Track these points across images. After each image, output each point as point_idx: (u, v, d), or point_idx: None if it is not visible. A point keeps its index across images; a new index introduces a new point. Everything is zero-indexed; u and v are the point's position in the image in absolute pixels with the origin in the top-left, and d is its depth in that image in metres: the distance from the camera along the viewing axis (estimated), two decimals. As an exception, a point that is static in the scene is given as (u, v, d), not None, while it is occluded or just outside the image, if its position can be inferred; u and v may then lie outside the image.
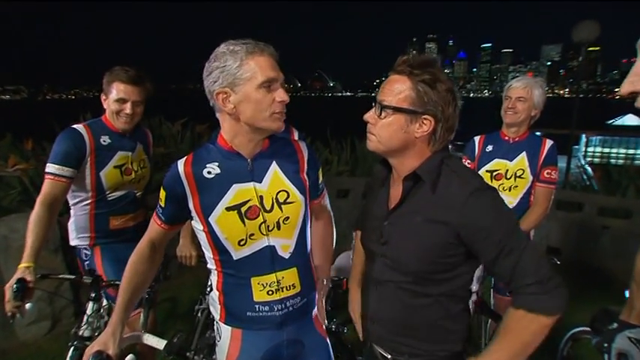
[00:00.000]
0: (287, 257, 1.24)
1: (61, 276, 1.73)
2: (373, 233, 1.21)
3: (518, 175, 2.10)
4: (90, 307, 1.67)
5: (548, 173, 2.07)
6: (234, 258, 1.20)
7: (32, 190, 3.27)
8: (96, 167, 1.84)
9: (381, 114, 1.08)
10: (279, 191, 1.22)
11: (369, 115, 1.12)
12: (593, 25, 7.56)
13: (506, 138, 2.16)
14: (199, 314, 1.93)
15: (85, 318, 1.65)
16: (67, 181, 1.76)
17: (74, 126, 1.84)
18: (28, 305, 1.47)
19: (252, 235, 1.19)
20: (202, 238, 1.23)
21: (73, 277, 1.69)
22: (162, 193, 1.21)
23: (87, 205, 1.89)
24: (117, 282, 1.71)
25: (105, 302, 1.84)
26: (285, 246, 1.24)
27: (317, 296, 1.39)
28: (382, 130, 1.09)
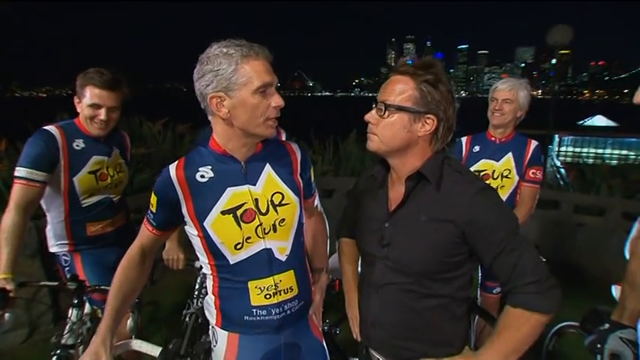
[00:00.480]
0: (284, 260, 1.22)
1: (42, 283, 1.66)
2: (372, 236, 1.21)
3: (504, 175, 2.14)
4: (73, 314, 1.61)
5: (533, 173, 2.12)
6: (231, 262, 1.18)
7: (5, 191, 3.14)
8: (69, 172, 1.76)
9: (384, 113, 1.09)
10: (274, 193, 1.21)
11: (371, 116, 1.13)
12: (567, 30, 7.83)
13: (493, 139, 2.21)
14: (187, 319, 1.89)
15: (68, 325, 1.59)
16: (41, 186, 1.67)
17: (46, 127, 1.74)
18: (7, 315, 1.41)
19: (249, 238, 1.17)
20: (197, 243, 1.20)
21: (55, 283, 1.63)
22: (154, 199, 1.18)
23: (61, 212, 1.81)
24: (102, 286, 1.66)
25: (87, 308, 1.78)
26: (281, 248, 1.22)
27: (315, 293, 1.39)
28: (385, 129, 1.10)
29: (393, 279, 1.16)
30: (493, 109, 2.12)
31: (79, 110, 1.78)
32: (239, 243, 1.16)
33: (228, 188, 1.16)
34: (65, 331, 1.57)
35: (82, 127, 1.81)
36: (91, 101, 1.73)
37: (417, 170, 1.12)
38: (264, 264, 1.20)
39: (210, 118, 1.15)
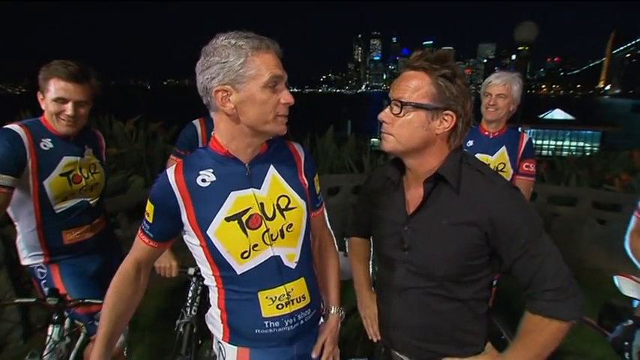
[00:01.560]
0: (293, 267, 1.15)
1: (17, 301, 1.50)
2: (391, 239, 1.16)
3: (499, 169, 2.15)
4: (55, 332, 1.46)
5: (527, 166, 2.14)
6: (238, 272, 1.09)
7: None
8: (38, 176, 1.58)
9: (400, 112, 1.03)
10: (280, 197, 1.12)
11: (385, 115, 1.07)
12: (533, 27, 8.13)
13: (486, 133, 2.21)
14: (181, 329, 1.78)
15: (49, 345, 1.44)
16: (8, 192, 1.50)
17: (9, 126, 1.55)
18: None
19: (256, 245, 1.08)
20: (199, 253, 1.10)
21: (32, 300, 1.46)
22: (150, 207, 1.07)
23: (32, 220, 1.63)
24: (86, 300, 1.52)
25: (67, 323, 1.63)
26: (290, 255, 1.14)
27: (321, 333, 1.26)
28: (402, 128, 1.05)
29: (415, 283, 1.13)
30: (487, 104, 2.12)
31: (43, 107, 1.61)
32: (246, 251, 1.07)
33: (232, 192, 1.07)
34: (45, 352, 1.42)
35: (49, 125, 1.63)
36: (55, 95, 1.56)
37: (434, 172, 1.07)
38: (274, 272, 1.12)
39: (212, 114, 1.06)
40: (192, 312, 1.81)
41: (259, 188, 1.10)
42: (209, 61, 0.99)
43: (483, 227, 1.02)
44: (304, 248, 1.18)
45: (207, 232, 1.05)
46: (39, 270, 1.70)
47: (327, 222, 1.40)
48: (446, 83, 1.01)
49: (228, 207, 1.06)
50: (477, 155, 2.19)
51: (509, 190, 1.05)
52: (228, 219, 1.06)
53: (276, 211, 1.11)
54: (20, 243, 1.69)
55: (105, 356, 1.01)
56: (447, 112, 1.03)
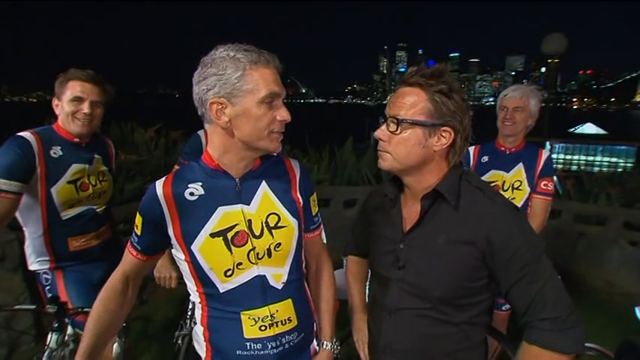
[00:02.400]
0: (280, 288, 1.10)
1: (17, 307, 1.51)
2: (386, 257, 1.12)
3: (515, 186, 2.05)
4: (53, 339, 1.46)
5: (545, 185, 2.03)
6: (221, 291, 1.06)
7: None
8: (46, 183, 1.62)
9: (397, 129, 1.00)
10: (270, 214, 1.09)
11: (381, 132, 1.04)
12: (562, 38, 7.89)
13: (503, 148, 2.12)
14: (179, 341, 1.76)
15: (47, 353, 1.44)
16: (15, 198, 1.53)
17: (21, 134, 1.61)
18: None
19: (240, 264, 1.05)
20: (184, 268, 1.08)
21: (33, 307, 1.48)
22: (139, 219, 1.05)
23: (39, 226, 1.66)
24: (85, 309, 1.52)
25: (70, 330, 1.64)
26: (277, 275, 1.10)
27: None
28: (398, 146, 1.01)
29: (409, 303, 1.08)
30: (503, 118, 2.03)
31: (57, 112, 1.67)
32: (229, 269, 1.04)
33: (220, 207, 1.04)
34: (43, 358, 1.42)
35: (61, 131, 1.69)
36: (73, 95, 1.63)
37: (432, 188, 1.03)
38: (258, 292, 1.07)
39: (206, 126, 1.03)
40: (192, 324, 1.78)
41: (248, 204, 1.07)
42: (206, 72, 0.97)
43: (481, 247, 0.98)
44: (294, 269, 1.13)
45: (192, 247, 1.03)
46: (44, 276, 1.72)
47: (325, 245, 1.33)
48: (442, 99, 0.99)
49: (215, 222, 1.03)
50: (492, 172, 2.11)
51: (510, 209, 1.01)
52: (213, 235, 1.03)
53: (265, 228, 1.07)
54: (28, 248, 1.72)
55: None
56: (444, 128, 1.00)
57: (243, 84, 0.95)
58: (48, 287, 1.72)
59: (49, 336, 1.46)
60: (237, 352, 1.08)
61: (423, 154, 1.02)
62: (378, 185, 5.02)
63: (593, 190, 4.98)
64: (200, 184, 1.05)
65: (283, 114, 1.01)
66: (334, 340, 1.24)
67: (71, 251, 1.72)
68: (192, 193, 1.04)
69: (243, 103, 0.96)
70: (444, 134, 1.01)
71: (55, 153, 1.64)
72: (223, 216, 1.04)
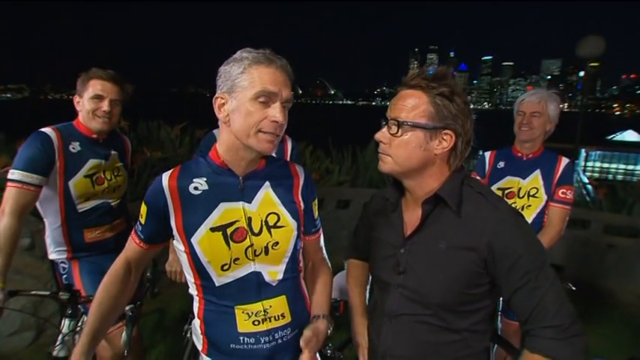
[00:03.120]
0: (274, 284, 1.12)
1: (33, 292, 1.59)
2: (387, 262, 1.11)
3: (531, 194, 1.99)
4: (66, 324, 1.54)
5: (563, 193, 1.96)
6: (217, 284, 1.08)
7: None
8: (65, 176, 1.71)
9: (397, 132, 1.00)
10: (270, 214, 1.11)
11: (382, 135, 1.04)
12: (598, 41, 7.55)
13: (519, 154, 2.06)
14: (189, 335, 1.80)
15: (60, 337, 1.51)
16: (36, 190, 1.62)
17: (43, 129, 1.70)
18: None
19: (237, 259, 1.07)
20: (184, 260, 1.11)
21: (47, 293, 1.55)
22: (144, 209, 1.10)
23: (58, 217, 1.75)
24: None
25: (85, 318, 1.71)
26: (272, 272, 1.12)
27: (307, 331, 1.14)
28: (399, 149, 1.01)
29: (408, 309, 1.07)
30: (520, 124, 1.98)
31: (79, 109, 1.76)
32: (226, 264, 1.07)
33: (222, 203, 1.07)
34: (57, 343, 1.50)
35: (81, 127, 1.78)
36: (94, 93, 1.72)
37: (434, 192, 1.02)
38: (252, 288, 1.10)
39: (220, 123, 1.09)
40: (191, 317, 1.83)
41: (250, 202, 1.10)
42: (219, 71, 1.04)
43: (482, 253, 0.97)
44: (289, 268, 1.15)
45: (192, 239, 1.06)
46: (62, 265, 1.82)
47: (323, 247, 1.35)
48: (444, 102, 0.98)
49: (216, 217, 1.06)
50: (508, 178, 2.05)
51: (513, 215, 0.99)
52: (213, 229, 1.06)
53: (264, 227, 1.10)
54: (48, 238, 1.81)
55: (89, 350, 1.03)
56: (445, 131, 0.99)
57: (241, 80, 0.99)
58: (65, 276, 1.81)
59: (63, 321, 1.54)
60: (231, 346, 1.11)
61: (423, 157, 1.01)
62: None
63: (627, 201, 4.75)
64: (205, 179, 1.08)
65: (276, 115, 1.01)
66: (329, 316, 1.24)
67: (86, 242, 1.81)
68: (196, 188, 1.07)
69: (239, 98, 1.00)
70: (445, 137, 1.00)
71: (73, 148, 1.73)
72: (224, 212, 1.07)
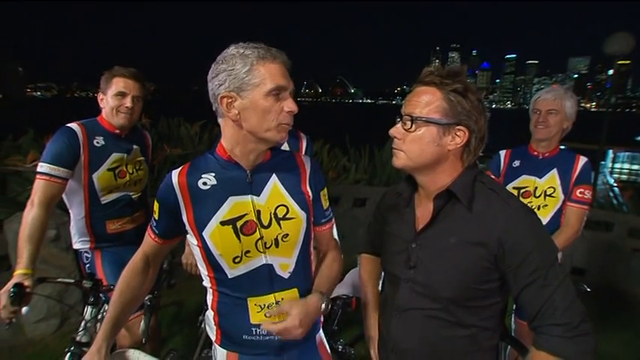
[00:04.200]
0: (286, 277, 1.15)
1: (59, 280, 1.67)
2: (398, 257, 1.13)
3: (548, 193, 1.96)
4: (88, 311, 1.60)
5: (581, 192, 1.92)
6: (229, 276, 1.12)
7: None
8: (89, 169, 1.79)
9: (411, 127, 1.01)
10: (278, 206, 1.13)
11: (396, 130, 1.05)
12: (627, 38, 7.28)
13: (536, 153, 2.03)
14: (203, 325, 1.85)
15: (83, 323, 1.58)
16: (63, 182, 1.70)
17: (69, 125, 1.79)
18: (24, 310, 1.42)
19: (248, 252, 1.10)
20: (197, 253, 1.15)
21: (71, 281, 1.63)
22: (156, 205, 1.14)
23: (82, 209, 1.84)
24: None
25: (106, 307, 1.79)
26: (284, 265, 1.14)
27: (291, 307, 1.09)
28: (412, 144, 1.02)
29: (418, 304, 1.08)
30: (536, 122, 1.95)
31: (102, 106, 1.84)
32: (237, 256, 1.10)
33: (230, 197, 1.10)
34: (80, 329, 1.56)
35: (105, 123, 1.85)
36: (117, 90, 1.80)
37: (446, 188, 1.03)
38: (265, 280, 1.13)
39: (220, 120, 1.10)
40: (204, 309, 1.87)
41: (258, 195, 1.12)
42: (218, 69, 1.04)
43: (492, 249, 0.97)
44: (301, 260, 1.17)
45: (203, 233, 1.09)
46: (85, 254, 1.91)
47: (336, 237, 1.36)
48: (457, 98, 0.99)
49: (225, 211, 1.09)
50: (523, 177, 2.02)
51: (524, 212, 0.99)
52: (223, 223, 1.09)
53: (273, 219, 1.12)
54: (72, 229, 1.90)
55: (109, 337, 1.08)
56: (459, 127, 1.00)
57: (251, 78, 1.01)
58: (88, 265, 1.89)
59: (85, 309, 1.61)
60: (244, 337, 1.14)
61: (436, 153, 1.02)
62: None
63: (655, 204, 4.60)
64: (213, 174, 1.11)
65: (290, 105, 1.05)
66: (326, 294, 1.18)
67: (108, 233, 1.89)
68: (205, 183, 1.10)
69: (251, 96, 1.02)
70: (458, 133, 1.00)
71: (97, 142, 1.81)
72: (233, 205, 1.10)
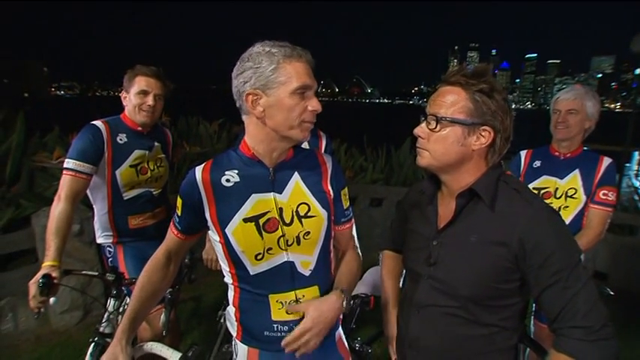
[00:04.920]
0: (307, 275, 1.16)
1: (84, 272, 1.73)
2: (419, 254, 1.13)
3: (569, 194, 1.92)
4: (111, 304, 1.66)
5: (604, 194, 1.87)
6: (251, 273, 1.13)
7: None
8: (112, 165, 1.84)
9: (436, 127, 1.01)
10: (300, 204, 1.14)
11: (421, 130, 1.05)
12: (655, 36, 7.05)
13: (557, 154, 1.99)
14: (222, 320, 1.88)
15: (106, 315, 1.63)
16: (87, 178, 1.76)
17: (93, 122, 1.85)
18: (52, 300, 1.48)
19: (270, 249, 1.11)
20: (219, 249, 1.16)
21: (96, 273, 1.69)
22: (179, 201, 1.16)
23: (105, 204, 1.90)
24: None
25: (128, 299, 1.84)
26: (305, 262, 1.15)
27: (308, 307, 1.12)
28: (437, 144, 1.03)
29: (437, 301, 1.08)
30: (556, 122, 1.92)
31: (125, 103, 1.89)
32: (260, 253, 1.11)
33: (253, 194, 1.11)
34: (103, 320, 1.61)
35: (128, 120, 1.90)
36: (139, 88, 1.84)
37: (469, 187, 1.03)
38: (286, 277, 1.14)
39: (244, 117, 1.12)
40: (225, 304, 1.90)
41: (281, 193, 1.13)
42: (243, 66, 1.05)
43: (513, 249, 0.96)
44: (321, 257, 1.18)
45: (226, 230, 1.11)
46: (108, 249, 1.96)
47: (355, 238, 1.37)
48: (483, 98, 0.98)
49: (248, 208, 1.10)
50: (544, 177, 1.99)
51: (548, 212, 0.98)
52: (246, 220, 1.10)
53: (295, 217, 1.13)
54: (96, 223, 1.96)
55: (130, 329, 1.11)
56: (484, 127, 1.00)
57: (277, 76, 1.02)
58: (110, 259, 1.95)
59: (108, 301, 1.66)
60: (265, 333, 1.15)
61: (461, 153, 1.02)
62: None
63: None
64: (236, 171, 1.12)
65: (314, 104, 1.07)
66: (347, 291, 1.19)
67: (130, 228, 1.94)
68: (228, 180, 1.11)
69: (277, 94, 1.03)
70: (483, 134, 1.00)
71: (120, 139, 1.86)
72: (256, 203, 1.11)
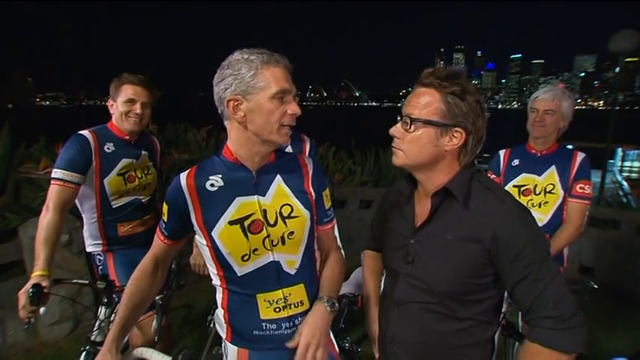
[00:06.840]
0: (293, 273, 1.19)
1: (74, 281, 1.73)
2: (398, 252, 1.17)
3: (547, 190, 1.99)
4: (102, 312, 1.66)
5: (581, 188, 1.95)
6: (238, 274, 1.16)
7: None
8: (100, 175, 1.85)
9: (409, 127, 1.05)
10: (283, 205, 1.18)
11: (396, 130, 1.09)
12: (633, 35, 7.23)
13: (534, 151, 2.06)
14: (212, 325, 1.90)
15: (97, 323, 1.63)
16: (76, 187, 1.77)
17: (81, 132, 1.85)
18: (42, 310, 1.48)
19: (256, 250, 1.15)
20: (206, 253, 1.19)
21: (86, 282, 1.69)
22: (165, 207, 1.18)
23: (94, 213, 1.90)
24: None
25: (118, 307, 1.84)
26: (290, 262, 1.19)
27: (304, 326, 1.14)
28: (411, 144, 1.06)
29: (415, 297, 1.12)
30: (533, 121, 1.99)
31: (112, 112, 1.90)
32: (246, 254, 1.14)
33: (237, 198, 1.15)
34: (94, 328, 1.61)
35: (115, 129, 1.91)
36: (126, 97, 1.85)
37: (443, 186, 1.07)
38: (273, 277, 1.17)
39: (226, 123, 1.15)
40: (213, 307, 1.91)
41: (264, 195, 1.17)
42: (223, 73, 1.09)
43: (487, 245, 1.00)
44: (306, 256, 1.21)
45: (212, 233, 1.14)
46: (97, 257, 1.97)
47: (338, 238, 1.40)
48: (455, 100, 1.02)
49: (233, 211, 1.14)
50: (523, 175, 2.06)
51: (519, 210, 1.02)
52: (231, 222, 1.13)
53: (279, 218, 1.16)
54: (85, 232, 1.97)
55: (120, 337, 1.12)
56: (456, 128, 1.03)
57: (257, 82, 1.06)
58: (100, 267, 1.96)
59: (100, 309, 1.66)
60: (255, 332, 1.18)
61: (434, 153, 1.05)
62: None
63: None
64: (220, 176, 1.15)
65: (294, 108, 1.11)
66: (331, 298, 1.20)
67: (120, 236, 1.95)
68: (212, 185, 1.14)
69: (257, 99, 1.07)
70: (455, 135, 1.03)
71: (108, 148, 1.87)
72: (241, 205, 1.14)
